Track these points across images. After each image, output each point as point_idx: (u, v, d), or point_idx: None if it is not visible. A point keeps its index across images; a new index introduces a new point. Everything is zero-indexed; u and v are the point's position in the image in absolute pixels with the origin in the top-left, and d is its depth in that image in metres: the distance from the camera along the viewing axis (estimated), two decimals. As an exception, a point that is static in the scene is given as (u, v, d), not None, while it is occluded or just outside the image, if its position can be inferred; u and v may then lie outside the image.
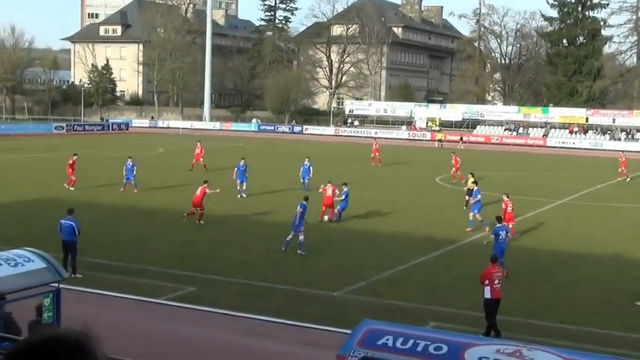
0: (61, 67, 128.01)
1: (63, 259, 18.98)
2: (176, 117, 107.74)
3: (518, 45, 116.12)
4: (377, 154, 53.80)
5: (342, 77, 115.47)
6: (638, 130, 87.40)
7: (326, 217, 29.38)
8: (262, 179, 40.42)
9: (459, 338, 8.73)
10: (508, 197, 27.53)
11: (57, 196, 33.45)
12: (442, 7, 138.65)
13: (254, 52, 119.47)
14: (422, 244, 26.05)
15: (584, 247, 26.63)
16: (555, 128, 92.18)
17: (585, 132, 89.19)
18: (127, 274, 20.34)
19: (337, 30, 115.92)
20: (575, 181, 47.31)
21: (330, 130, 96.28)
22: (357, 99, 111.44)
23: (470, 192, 30.91)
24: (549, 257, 24.61)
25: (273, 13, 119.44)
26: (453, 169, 44.33)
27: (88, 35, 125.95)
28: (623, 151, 54.90)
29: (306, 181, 37.60)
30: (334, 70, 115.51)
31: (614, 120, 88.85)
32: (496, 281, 16.22)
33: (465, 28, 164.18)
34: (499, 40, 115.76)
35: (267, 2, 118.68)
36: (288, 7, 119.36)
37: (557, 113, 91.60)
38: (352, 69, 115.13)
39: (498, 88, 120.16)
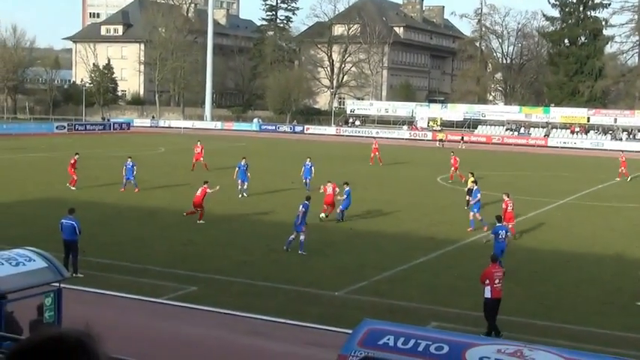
0: (62, 67, 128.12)
1: (64, 258, 18.99)
2: (177, 117, 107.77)
3: (520, 45, 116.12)
4: (377, 153, 53.78)
5: (343, 77, 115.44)
6: (639, 130, 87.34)
7: (322, 215, 29.22)
8: (263, 179, 40.42)
9: (460, 338, 8.72)
10: (508, 197, 27.60)
11: (58, 195, 33.47)
12: (443, 6, 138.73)
13: (255, 52, 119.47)
14: (423, 243, 26.04)
15: (586, 247, 26.63)
16: (557, 128, 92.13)
17: (587, 132, 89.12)
18: (128, 273, 20.36)
19: (338, 30, 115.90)
20: (576, 181, 47.29)
21: (331, 129, 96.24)
22: (358, 99, 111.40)
23: (470, 192, 30.94)
24: (550, 257, 24.60)
25: (274, 12, 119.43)
26: (452, 168, 44.37)
27: (89, 35, 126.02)
28: (622, 151, 54.86)
29: (308, 180, 37.59)
30: (335, 70, 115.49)
31: (615, 120, 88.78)
32: (496, 281, 16.22)
33: (466, 27, 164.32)
34: (500, 40, 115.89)
35: (268, 2, 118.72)
36: (289, 7, 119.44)
37: (558, 113, 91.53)
38: (353, 69, 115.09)
39: (500, 88, 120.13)
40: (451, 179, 44.05)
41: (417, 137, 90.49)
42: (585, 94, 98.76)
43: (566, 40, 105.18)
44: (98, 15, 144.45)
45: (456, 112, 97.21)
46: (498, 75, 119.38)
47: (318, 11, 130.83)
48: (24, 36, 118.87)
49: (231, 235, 26.62)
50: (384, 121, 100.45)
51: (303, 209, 23.72)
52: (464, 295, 18.85)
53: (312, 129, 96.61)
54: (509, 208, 27.04)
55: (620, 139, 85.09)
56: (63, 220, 20.21)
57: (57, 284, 11.59)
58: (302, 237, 23.29)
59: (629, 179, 48.25)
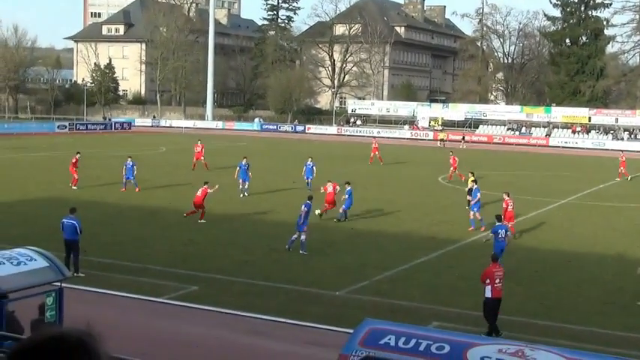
0: (63, 67, 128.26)
1: (65, 258, 19.01)
2: (178, 116, 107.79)
3: (521, 44, 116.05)
4: (377, 153, 53.75)
5: (344, 77, 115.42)
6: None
7: (317, 212, 29.07)
8: (264, 178, 40.43)
9: (461, 338, 8.72)
10: (509, 196, 27.64)
11: (60, 195, 33.48)
12: (445, 6, 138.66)
13: (256, 52, 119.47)
14: (424, 243, 26.05)
15: (587, 246, 26.62)
16: (558, 128, 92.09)
17: (588, 132, 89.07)
18: (129, 273, 20.37)
19: (340, 29, 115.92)
20: (577, 181, 47.27)
21: (332, 129, 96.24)
22: (359, 98, 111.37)
23: (470, 191, 30.97)
24: (551, 257, 24.60)
25: (275, 12, 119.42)
26: (451, 168, 44.44)
27: (90, 34, 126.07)
28: (622, 151, 54.81)
29: (310, 180, 37.59)
30: (337, 70, 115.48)
31: (616, 120, 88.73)
32: (497, 280, 16.22)
33: (467, 27, 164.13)
34: (502, 40, 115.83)
35: (269, 2, 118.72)
36: (290, 7, 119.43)
37: (559, 113, 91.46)
38: (355, 68, 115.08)
39: (501, 88, 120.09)
40: (450, 179, 44.08)
41: (419, 137, 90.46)
42: (587, 94, 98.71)
43: (567, 40, 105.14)
44: (99, 15, 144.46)
45: (458, 111, 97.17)
46: (500, 75, 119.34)
47: (319, 11, 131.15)
48: (25, 36, 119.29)
49: (232, 234, 26.62)
50: (385, 121, 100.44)
51: (306, 209, 23.73)
52: (465, 295, 18.84)
53: (314, 129, 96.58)
54: (509, 207, 27.09)
55: (622, 139, 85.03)
56: (64, 220, 20.22)
57: (58, 284, 11.59)
58: (303, 237, 23.30)
59: (629, 179, 48.26)
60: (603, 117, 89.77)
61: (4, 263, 10.98)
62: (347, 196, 29.57)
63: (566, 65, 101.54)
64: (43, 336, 2.33)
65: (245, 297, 18.51)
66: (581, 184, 45.50)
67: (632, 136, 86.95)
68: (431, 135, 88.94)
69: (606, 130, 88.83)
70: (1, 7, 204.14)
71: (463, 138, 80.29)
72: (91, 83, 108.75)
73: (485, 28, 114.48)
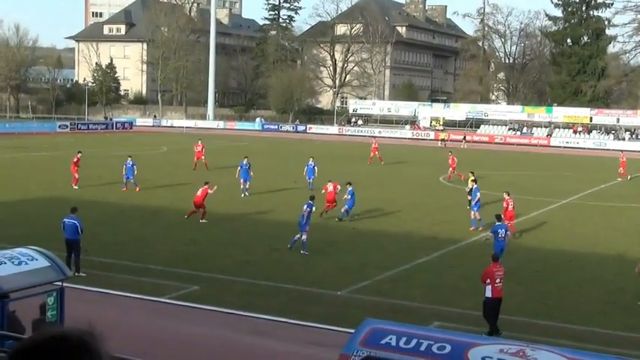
0: (65, 66, 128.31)
1: (66, 257, 19.02)
2: (180, 116, 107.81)
3: (523, 44, 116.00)
4: (376, 153, 53.71)
5: (345, 76, 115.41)
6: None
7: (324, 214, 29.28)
8: (265, 178, 40.43)
9: (462, 338, 8.71)
10: (509, 195, 27.69)
11: (61, 194, 33.49)
12: (446, 6, 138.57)
13: (258, 52, 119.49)
14: (425, 243, 26.04)
15: (588, 246, 26.61)
16: (559, 128, 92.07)
17: (589, 132, 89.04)
18: (130, 272, 20.37)
19: (341, 29, 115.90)
20: (578, 181, 47.25)
21: (333, 129, 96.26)
22: (360, 98, 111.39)
23: (470, 191, 31.00)
24: (553, 257, 24.59)
25: (277, 12, 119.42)
26: (450, 169, 44.48)
27: (92, 34, 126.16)
28: (622, 151, 54.77)
29: (311, 180, 37.60)
30: (338, 70, 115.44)
31: (618, 120, 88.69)
32: (497, 280, 16.21)
33: (469, 27, 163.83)
34: (503, 40, 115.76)
35: (271, 1, 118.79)
36: (292, 7, 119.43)
37: (561, 113, 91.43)
38: (356, 68, 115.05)
39: (502, 88, 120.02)
40: (449, 179, 44.10)
41: (420, 137, 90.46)
42: (588, 94, 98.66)
43: (568, 40, 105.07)
44: (101, 14, 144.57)
45: (459, 111, 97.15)
46: (501, 75, 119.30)
47: (320, 10, 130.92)
48: (27, 35, 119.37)
49: (234, 234, 26.62)
50: (386, 121, 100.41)
51: (308, 209, 23.75)
52: (466, 295, 18.83)
53: (315, 128, 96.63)
54: (509, 206, 27.14)
55: (623, 139, 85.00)
56: (65, 220, 20.23)
57: (59, 283, 11.59)
58: (304, 237, 23.30)
59: (629, 178, 48.29)
60: (605, 117, 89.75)
61: (5, 263, 10.99)
62: (349, 196, 29.54)
63: (568, 65, 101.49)
64: (45, 336, 2.33)
65: (246, 297, 18.51)
66: (582, 184, 45.48)
67: (634, 136, 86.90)
68: (432, 135, 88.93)
69: (607, 130, 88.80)
70: (3, 6, 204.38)
71: (464, 138, 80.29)
72: (93, 83, 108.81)
73: (486, 28, 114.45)
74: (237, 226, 28.23)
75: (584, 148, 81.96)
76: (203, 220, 27.91)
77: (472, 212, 28.89)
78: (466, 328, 14.68)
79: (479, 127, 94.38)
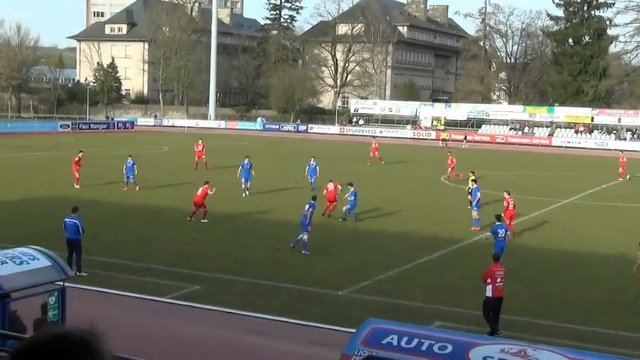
0: (66, 66, 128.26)
1: (67, 257, 19.04)
2: (181, 116, 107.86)
3: (524, 44, 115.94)
4: (376, 153, 53.67)
5: (347, 76, 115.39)
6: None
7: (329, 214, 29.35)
8: (267, 178, 40.41)
9: (463, 338, 8.71)
10: (509, 195, 27.72)
11: (62, 194, 33.51)
12: (447, 6, 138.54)
13: (259, 51, 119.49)
14: (427, 243, 26.04)
15: (589, 246, 26.60)
16: (561, 128, 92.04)
17: (591, 132, 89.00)
18: (131, 272, 20.37)
19: (342, 29, 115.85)
20: (580, 181, 47.23)
21: (335, 129, 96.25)
22: (362, 98, 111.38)
23: (470, 191, 31.03)
24: (554, 257, 24.58)
25: (278, 11, 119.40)
26: (449, 169, 44.51)
27: (93, 34, 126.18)
28: (622, 151, 54.74)
29: (313, 180, 37.61)
30: (339, 69, 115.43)
31: (619, 120, 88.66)
32: (498, 280, 16.22)
33: (470, 27, 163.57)
34: (504, 40, 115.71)
35: (272, 1, 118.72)
36: (293, 6, 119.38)
37: (562, 113, 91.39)
38: (357, 68, 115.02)
39: (504, 88, 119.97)
40: (448, 179, 44.13)
41: (421, 137, 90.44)
42: (589, 94, 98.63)
43: (570, 40, 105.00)
44: (102, 14, 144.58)
45: (460, 111, 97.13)
46: (502, 74, 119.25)
47: (322, 10, 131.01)
48: (28, 35, 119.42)
49: (235, 234, 26.63)
50: (387, 121, 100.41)
51: (311, 209, 23.75)
52: (467, 295, 18.82)
53: (316, 128, 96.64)
54: (510, 205, 27.21)
55: (624, 139, 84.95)
56: (66, 219, 20.24)
57: (61, 283, 11.60)
58: (305, 237, 23.31)
59: (627, 178, 48.31)
60: (606, 117, 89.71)
61: (6, 262, 10.99)
62: (352, 197, 29.50)
63: (569, 65, 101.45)
64: (46, 335, 2.33)
65: (247, 296, 18.51)
66: (583, 184, 45.47)
67: (635, 136, 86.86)
68: (433, 135, 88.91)
69: (609, 130, 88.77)
70: (4, 6, 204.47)
71: (465, 138, 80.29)
72: (94, 82, 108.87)
73: (487, 28, 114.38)
74: (239, 225, 28.24)
75: (586, 148, 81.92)
76: (204, 220, 27.91)
77: (473, 212, 28.90)
78: (467, 328, 14.67)
79: (480, 127, 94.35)
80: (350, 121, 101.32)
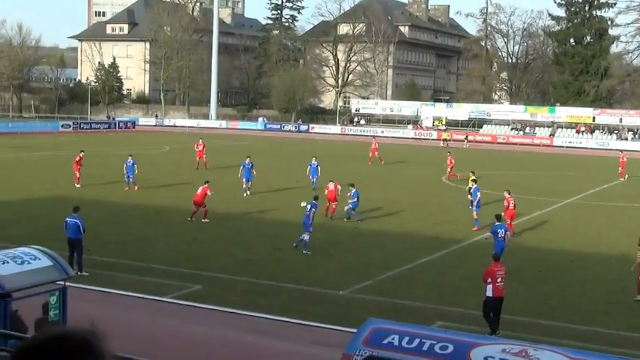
0: (68, 66, 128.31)
1: (68, 257, 19.04)
2: (182, 115, 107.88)
3: (525, 44, 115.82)
4: (376, 153, 53.63)
5: (348, 76, 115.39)
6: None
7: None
8: (268, 178, 40.42)
9: (464, 338, 8.71)
10: (510, 194, 27.73)
11: (64, 194, 33.52)
12: (449, 5, 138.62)
13: (260, 51, 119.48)
14: (428, 243, 26.04)
15: (591, 246, 26.59)
16: (562, 128, 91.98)
17: (592, 132, 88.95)
18: (132, 272, 20.38)
19: (344, 29, 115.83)
20: (581, 181, 47.21)
21: (336, 129, 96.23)
22: (363, 98, 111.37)
23: (470, 191, 31.04)
24: (555, 257, 24.57)
25: (279, 11, 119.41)
26: (448, 169, 44.53)
27: (95, 33, 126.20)
28: (622, 151, 54.71)
29: (315, 180, 37.62)
30: (340, 69, 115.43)
31: (621, 120, 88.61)
32: (499, 279, 16.21)
33: (471, 27, 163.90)
34: (506, 40, 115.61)
35: (273, 1, 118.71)
36: (294, 6, 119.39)
37: (563, 113, 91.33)
38: (359, 68, 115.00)
39: (505, 88, 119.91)
40: (448, 179, 44.14)
41: (422, 137, 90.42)
42: (591, 94, 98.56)
43: (571, 40, 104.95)
44: (104, 14, 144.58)
45: (461, 111, 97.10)
46: (504, 74, 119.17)
47: (323, 10, 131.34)
48: (29, 34, 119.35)
49: (236, 233, 26.63)
50: (389, 121, 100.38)
51: (313, 209, 23.76)
52: (468, 295, 18.81)
53: (317, 128, 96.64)
54: (510, 205, 27.23)
55: (626, 139, 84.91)
56: (67, 219, 20.25)
57: (62, 283, 11.60)
58: (306, 237, 23.31)
59: (626, 178, 48.33)
60: (607, 117, 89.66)
61: (8, 262, 10.99)
62: (355, 198, 29.48)
63: (571, 65, 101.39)
64: (47, 335, 2.33)
65: (248, 296, 18.51)
66: (585, 184, 45.45)
67: (637, 136, 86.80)
68: (435, 135, 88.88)
69: (610, 130, 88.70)
70: (6, 6, 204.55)
71: (466, 137, 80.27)
72: (95, 82, 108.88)
73: (489, 28, 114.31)
74: (240, 225, 28.24)
75: (587, 148, 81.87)
76: (205, 220, 27.92)
77: (474, 212, 28.91)
78: (468, 328, 14.66)
79: (481, 127, 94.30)
80: (351, 121, 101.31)
